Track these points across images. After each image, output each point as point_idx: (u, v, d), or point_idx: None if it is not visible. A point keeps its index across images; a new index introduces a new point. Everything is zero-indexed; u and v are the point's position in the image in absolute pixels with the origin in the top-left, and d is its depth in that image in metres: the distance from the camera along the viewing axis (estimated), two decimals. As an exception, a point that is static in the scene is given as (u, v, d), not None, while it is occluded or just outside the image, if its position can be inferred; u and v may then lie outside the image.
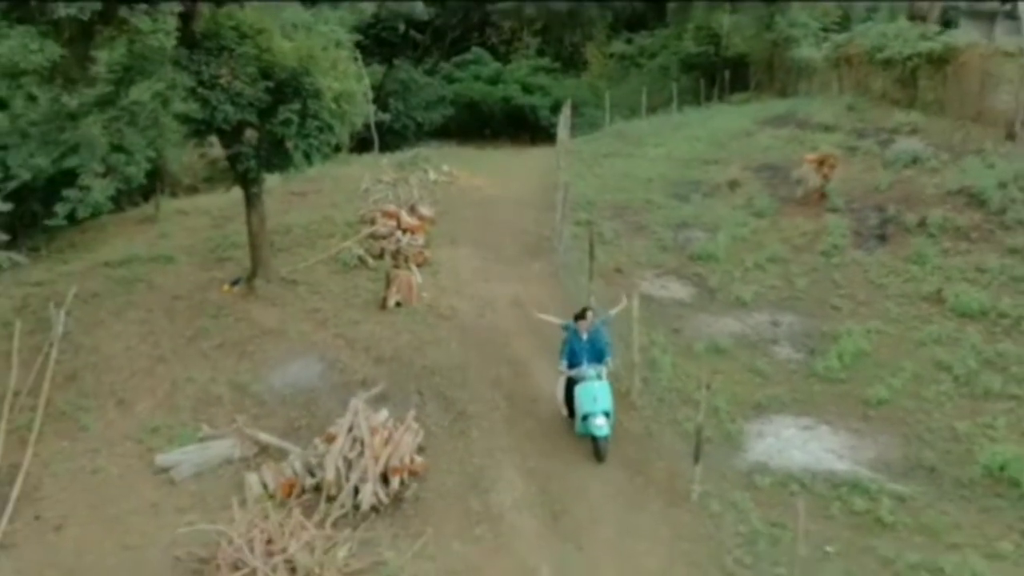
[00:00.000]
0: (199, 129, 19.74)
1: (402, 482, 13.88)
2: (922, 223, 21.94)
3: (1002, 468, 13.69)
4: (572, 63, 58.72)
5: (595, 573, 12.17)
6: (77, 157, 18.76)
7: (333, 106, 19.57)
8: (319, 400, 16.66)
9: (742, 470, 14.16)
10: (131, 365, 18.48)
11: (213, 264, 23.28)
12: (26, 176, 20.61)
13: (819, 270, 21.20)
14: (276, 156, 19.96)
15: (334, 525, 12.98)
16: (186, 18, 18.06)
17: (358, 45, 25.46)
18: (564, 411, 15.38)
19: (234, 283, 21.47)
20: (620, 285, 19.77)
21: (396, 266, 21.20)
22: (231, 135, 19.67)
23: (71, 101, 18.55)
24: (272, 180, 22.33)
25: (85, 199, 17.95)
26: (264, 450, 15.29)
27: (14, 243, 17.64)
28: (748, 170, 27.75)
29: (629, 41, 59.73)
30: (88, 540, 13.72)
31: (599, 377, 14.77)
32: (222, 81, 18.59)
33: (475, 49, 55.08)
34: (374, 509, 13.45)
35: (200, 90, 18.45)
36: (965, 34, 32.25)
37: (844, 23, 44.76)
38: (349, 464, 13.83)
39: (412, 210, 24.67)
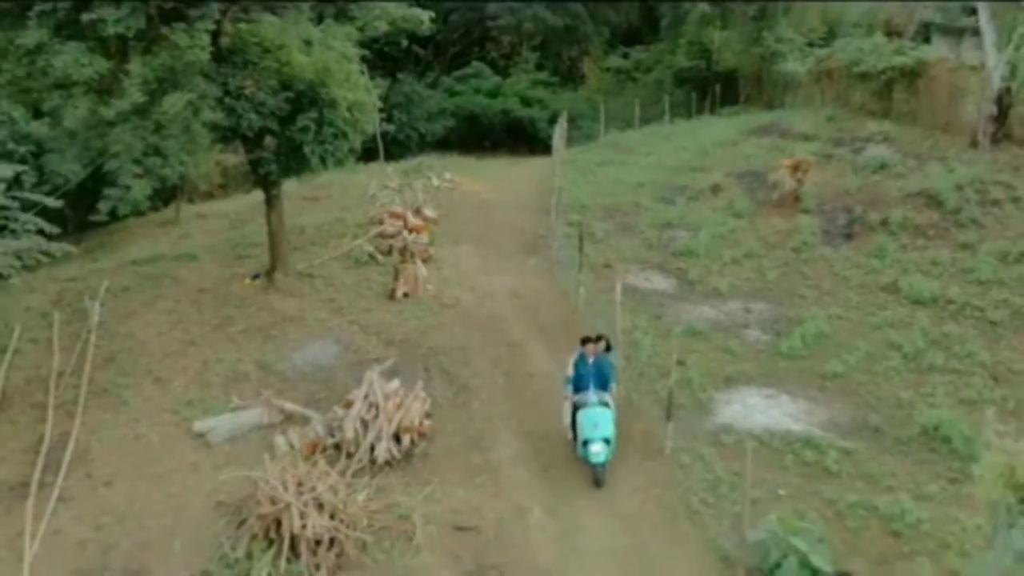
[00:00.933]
0: (225, 136, 21.79)
1: (412, 441, 15.85)
2: (884, 222, 24.00)
3: (936, 428, 15.66)
4: (570, 77, 60.01)
5: (579, 513, 14.12)
6: (116, 160, 20.76)
7: (347, 115, 21.56)
8: (336, 376, 18.58)
9: (710, 430, 16.13)
10: (164, 348, 20.35)
11: (234, 261, 25.15)
12: (71, 178, 22.59)
13: (790, 264, 23.26)
14: (294, 160, 21.93)
15: (353, 476, 14.90)
16: (215, 35, 20.03)
17: (363, 59, 27.21)
18: (569, 435, 15.55)
19: (255, 277, 23.39)
20: (608, 278, 21.65)
21: (403, 261, 23.13)
22: (254, 141, 21.63)
23: (109, 110, 20.62)
24: (286, 185, 24.15)
25: (125, 197, 19.97)
26: (288, 418, 17.17)
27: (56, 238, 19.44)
28: (731, 176, 29.76)
29: (625, 56, 61.56)
30: (136, 493, 15.60)
31: (603, 404, 15.07)
32: (247, 92, 20.49)
33: (475, 63, 56.50)
34: (388, 463, 15.41)
35: (227, 100, 20.34)
36: (936, 49, 34.31)
37: (829, 38, 46.72)
38: (365, 425, 15.79)
39: (417, 212, 26.64)
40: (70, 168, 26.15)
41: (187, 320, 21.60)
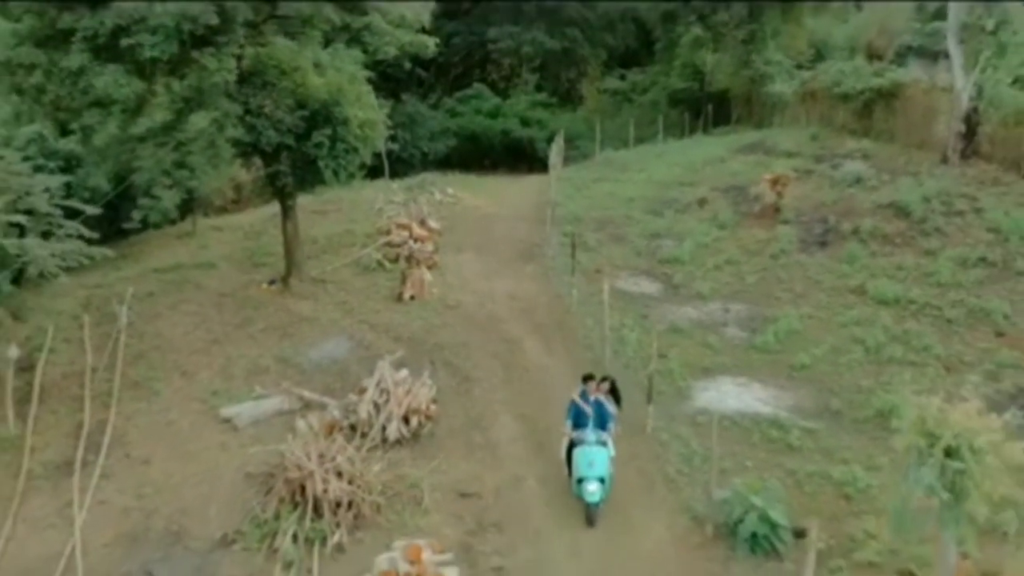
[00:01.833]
0: (246, 151, 23.63)
1: (420, 422, 17.68)
2: (856, 231, 25.88)
3: (890, 411, 17.32)
4: (569, 98, 61.05)
5: (567, 482, 15.83)
6: (147, 173, 22.62)
7: (358, 131, 23.48)
8: (349, 369, 20.38)
9: (688, 413, 17.98)
10: (190, 346, 22.13)
11: (250, 268, 26.95)
12: (98, 192, 24.38)
13: (767, 269, 25.14)
14: (309, 173, 23.82)
15: (368, 452, 16.67)
16: (237, 58, 21.89)
17: (368, 80, 28.89)
18: (566, 470, 15.67)
19: (271, 283, 25.20)
20: (598, 282, 23.43)
21: (409, 267, 24.94)
22: (272, 156, 23.47)
23: (139, 127, 22.49)
24: (298, 200, 25.91)
25: (156, 207, 21.86)
26: (307, 405, 18.93)
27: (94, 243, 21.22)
28: (716, 190, 31.60)
29: (623, 77, 62.73)
30: (171, 469, 17.38)
31: (600, 443, 15.16)
32: (266, 110, 22.38)
33: (476, 85, 57.23)
34: (398, 441, 17.26)
35: (248, 118, 22.22)
36: (912, 72, 36.26)
37: (817, 61, 48.45)
38: (378, 408, 17.63)
39: (422, 223, 28.48)
40: (96, 182, 27.96)
41: (210, 321, 23.35)
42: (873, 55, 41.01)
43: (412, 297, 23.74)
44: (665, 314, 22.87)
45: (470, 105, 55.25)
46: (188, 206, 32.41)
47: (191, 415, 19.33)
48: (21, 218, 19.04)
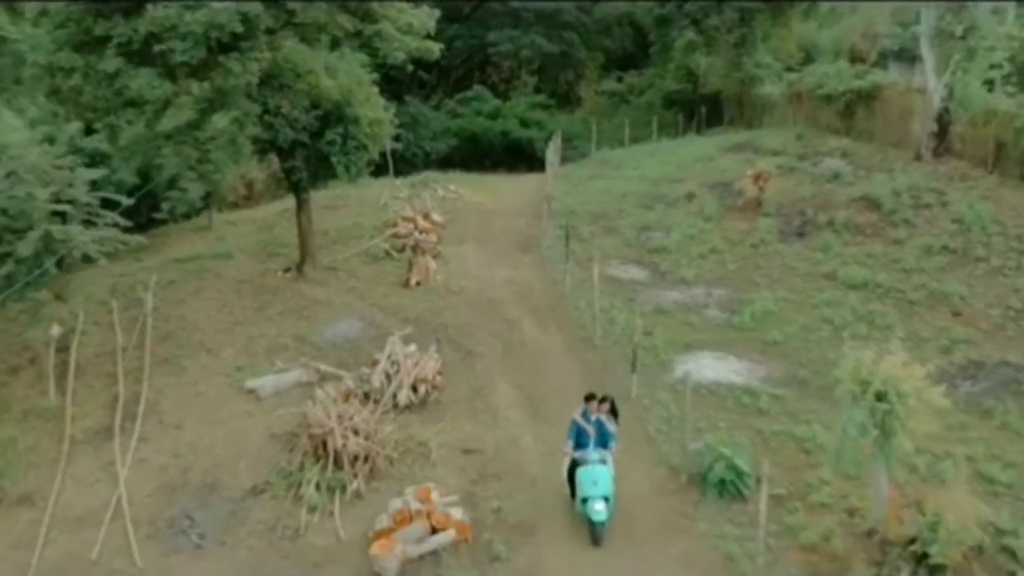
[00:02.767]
0: (264, 148, 25.52)
1: (427, 391, 19.62)
2: (831, 222, 27.85)
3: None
4: (567, 100, 62.26)
5: (559, 439, 17.61)
6: (173, 167, 24.47)
7: (368, 130, 25.42)
8: (361, 346, 22.28)
9: (669, 383, 19.91)
10: (213, 327, 24.00)
11: (266, 258, 28.84)
12: (122, 187, 26.23)
13: (748, 258, 27.12)
14: (323, 169, 25.79)
15: (381, 416, 18.54)
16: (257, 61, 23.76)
17: (372, 83, 30.54)
18: (567, 489, 15.82)
19: (286, 270, 27.09)
20: (591, 270, 25.32)
21: (415, 255, 26.81)
22: (288, 152, 25.38)
23: (166, 125, 24.32)
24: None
25: (183, 198, 23.75)
26: (324, 377, 20.80)
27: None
28: (704, 186, 33.49)
29: (620, 80, 64.24)
30: (202, 433, 19.26)
31: (602, 462, 15.26)
32: (283, 110, 24.30)
33: (477, 87, 58.69)
34: (407, 407, 19.20)
35: (266, 117, 24.11)
36: (890, 74, 38.15)
37: (807, 63, 50.01)
38: (389, 378, 19.56)
39: (426, 216, 30.41)
40: (119, 177, 29.81)
41: (230, 305, 25.21)
42: (856, 58, 42.83)
43: (418, 283, 25.66)
44: (652, 297, 24.81)
45: (471, 107, 56.68)
46: (204, 201, 34.32)
47: (218, 387, 21.17)
48: (66, 207, 20.87)
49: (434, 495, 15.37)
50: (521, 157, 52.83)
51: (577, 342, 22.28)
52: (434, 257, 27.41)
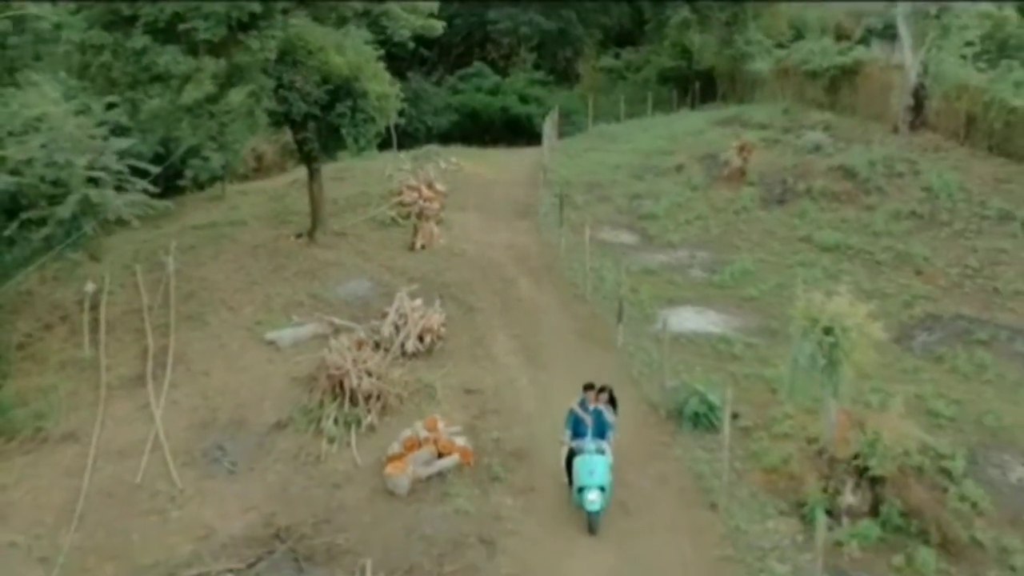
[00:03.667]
0: (278, 120, 27.30)
1: (432, 340, 21.54)
2: (808, 190, 29.80)
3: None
4: (566, 76, 63.42)
5: (552, 381, 19.78)
6: (190, 139, 26.25)
7: (375, 103, 27.12)
8: (371, 303, 24.13)
9: (652, 333, 21.79)
10: (233, 286, 25.80)
11: (279, 225, 30.61)
12: (142, 158, 28.02)
13: (730, 223, 29.06)
14: (333, 140, 27.62)
15: (391, 362, 20.44)
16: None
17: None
18: (565, 478, 15.91)
19: (298, 236, 28.89)
20: (584, 234, 27.19)
21: (420, 221, 28.65)
22: (300, 124, 27.14)
23: (187, 99, 26.07)
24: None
25: (205, 167, 25.56)
26: (338, 330, 22.63)
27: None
28: (693, 158, 35.37)
29: (617, 56, 65.54)
30: (228, 379, 21.14)
31: (599, 452, 15.36)
32: (297, 85, 25.98)
33: (477, 64, 60.01)
34: (414, 354, 21.10)
35: (280, 91, 25.83)
36: (872, 50, 39.93)
37: (797, 40, 51.41)
38: (397, 328, 21.48)
39: (430, 186, 32.17)
40: (139, 148, 31.58)
41: (248, 267, 26.99)
42: (842, 35, 44.59)
43: (423, 246, 27.53)
44: (640, 259, 26.73)
45: (471, 83, 58.11)
46: (220, 171, 36.12)
47: (240, 340, 23.01)
48: (100, 174, 22.68)
49: (440, 424, 17.34)
50: (520, 132, 54.03)
51: (569, 298, 24.20)
52: (437, 223, 29.21)
